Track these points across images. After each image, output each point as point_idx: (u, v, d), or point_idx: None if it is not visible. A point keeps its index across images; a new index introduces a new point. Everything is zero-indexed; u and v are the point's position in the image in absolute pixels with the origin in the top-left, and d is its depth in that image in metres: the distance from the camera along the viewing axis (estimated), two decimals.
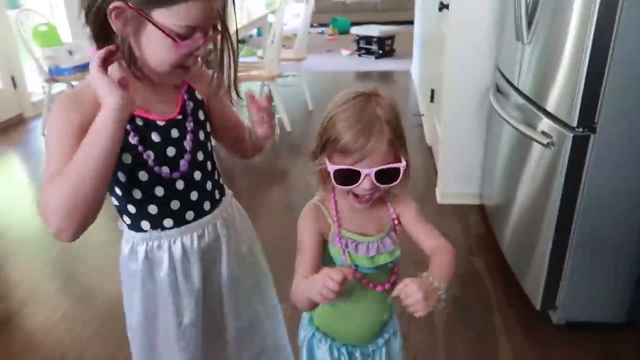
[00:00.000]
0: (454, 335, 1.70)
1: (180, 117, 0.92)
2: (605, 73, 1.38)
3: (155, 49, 0.80)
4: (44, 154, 3.53)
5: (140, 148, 0.86)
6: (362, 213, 0.93)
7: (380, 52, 6.37)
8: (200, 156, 0.95)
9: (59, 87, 3.96)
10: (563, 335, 1.67)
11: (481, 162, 2.46)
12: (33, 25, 3.76)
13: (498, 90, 2.11)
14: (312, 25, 4.56)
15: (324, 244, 0.92)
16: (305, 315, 1.07)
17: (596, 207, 1.53)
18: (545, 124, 1.60)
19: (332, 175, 0.85)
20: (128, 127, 0.85)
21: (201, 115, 0.96)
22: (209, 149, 0.98)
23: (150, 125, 0.88)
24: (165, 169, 0.90)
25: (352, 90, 0.87)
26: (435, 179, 2.74)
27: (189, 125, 0.92)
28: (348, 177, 0.84)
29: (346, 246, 0.91)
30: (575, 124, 1.46)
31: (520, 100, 1.82)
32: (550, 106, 1.59)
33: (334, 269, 0.77)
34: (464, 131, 2.46)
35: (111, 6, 0.76)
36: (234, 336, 1.10)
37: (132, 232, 0.95)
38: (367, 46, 6.50)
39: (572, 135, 1.47)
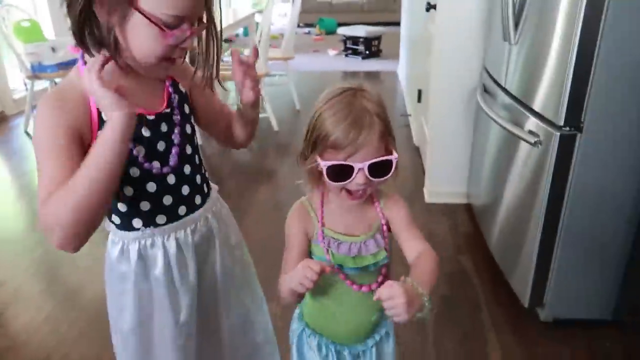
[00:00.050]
0: (442, 333, 1.71)
1: (168, 110, 0.91)
2: (592, 72, 1.40)
3: (142, 38, 0.77)
4: (26, 152, 3.51)
5: (130, 144, 0.84)
6: (350, 214, 0.93)
7: (367, 52, 6.39)
8: (188, 150, 0.94)
9: (41, 84, 3.89)
10: (550, 332, 1.69)
11: (469, 161, 2.47)
12: (15, 20, 3.69)
13: (485, 90, 2.13)
14: (298, 25, 4.56)
15: (309, 242, 0.94)
16: (296, 310, 1.07)
17: (582, 205, 1.55)
18: (532, 123, 1.62)
19: (324, 172, 0.84)
20: None
21: (186, 109, 0.95)
22: (196, 142, 0.98)
23: (139, 119, 0.86)
24: (156, 164, 0.89)
25: (338, 87, 0.87)
26: (423, 178, 2.76)
27: (176, 118, 0.92)
28: (341, 172, 0.83)
29: (329, 245, 0.91)
30: (562, 123, 1.47)
31: (507, 100, 1.84)
32: (537, 105, 1.60)
33: (314, 260, 0.83)
34: (451, 131, 2.48)
35: None
36: (228, 334, 1.09)
37: (123, 232, 0.93)
38: (354, 46, 6.51)
39: (559, 134, 1.48)
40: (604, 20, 1.34)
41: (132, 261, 0.92)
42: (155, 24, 0.76)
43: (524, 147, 1.69)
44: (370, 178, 0.84)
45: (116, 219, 0.92)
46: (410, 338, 1.68)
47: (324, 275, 0.88)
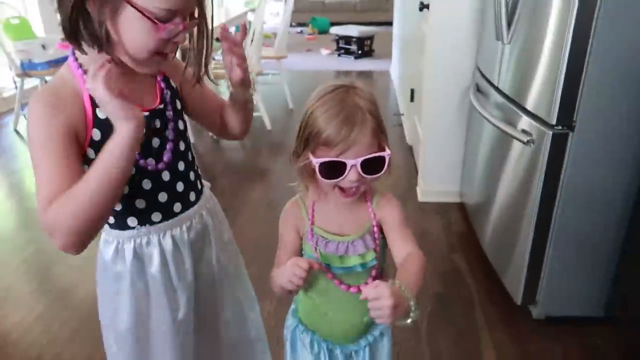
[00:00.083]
0: (436, 331, 1.72)
1: (161, 106, 0.90)
2: (584, 72, 1.41)
3: (134, 32, 0.76)
4: (15, 150, 3.47)
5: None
6: (342, 213, 0.93)
7: (360, 52, 6.40)
8: (182, 146, 0.94)
9: (31, 82, 3.86)
10: (543, 329, 1.70)
11: (462, 160, 2.49)
12: (4, 18, 3.65)
13: (478, 89, 2.14)
14: (291, 25, 4.55)
15: (302, 239, 0.95)
16: (292, 306, 1.07)
17: (574, 204, 1.56)
18: (525, 122, 1.63)
19: (317, 170, 0.84)
20: None
21: (178, 105, 0.95)
22: (188, 138, 0.98)
23: None
24: (150, 161, 0.88)
25: (330, 84, 0.87)
26: (416, 177, 2.76)
27: (169, 114, 0.91)
28: (334, 169, 0.83)
29: (317, 243, 0.92)
30: (554, 122, 1.48)
31: (500, 99, 1.85)
32: (530, 105, 1.61)
33: (303, 258, 0.83)
34: (444, 130, 2.49)
35: None
36: (225, 330, 1.09)
37: (117, 231, 0.92)
38: (347, 46, 6.52)
39: (551, 133, 1.50)
40: (596, 20, 1.35)
41: (127, 260, 0.92)
42: (148, 18, 0.75)
43: (516, 146, 1.70)
44: (363, 175, 0.83)
45: (110, 218, 0.91)
46: (405, 336, 1.68)
47: (315, 274, 0.89)
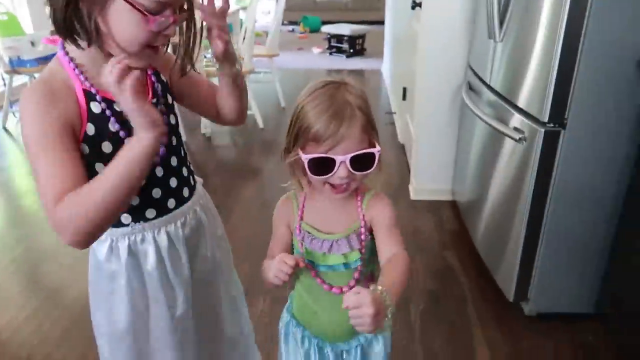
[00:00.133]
0: (429, 329, 1.72)
1: (154, 100, 0.89)
2: (575, 69, 1.42)
3: (124, 25, 0.75)
4: (4, 148, 3.44)
5: (122, 134, 0.83)
6: (332, 211, 0.93)
7: (351, 50, 6.41)
8: (174, 141, 0.93)
9: (20, 79, 3.81)
10: (535, 326, 1.72)
11: (454, 158, 2.50)
12: None
13: (470, 88, 2.15)
14: (282, 23, 4.54)
15: (292, 233, 0.95)
16: (288, 301, 1.08)
17: (565, 201, 1.57)
18: (517, 119, 1.64)
19: (306, 166, 0.83)
20: (108, 112, 0.81)
21: (169, 99, 0.94)
22: (179, 134, 0.97)
23: None
24: None
25: (321, 80, 0.86)
26: (408, 176, 2.77)
27: (161, 108, 0.90)
28: (323, 166, 0.83)
29: (302, 239, 0.92)
30: (546, 120, 1.49)
31: (492, 97, 1.86)
32: (522, 102, 1.62)
33: (289, 255, 0.84)
34: (436, 128, 2.49)
35: None
36: (224, 326, 1.08)
37: (111, 229, 0.90)
38: (338, 45, 6.52)
39: (543, 130, 1.50)
40: (588, 18, 1.36)
41: (122, 258, 0.91)
42: (138, 10, 0.74)
43: (508, 144, 1.71)
44: (353, 171, 0.83)
45: None
46: (397, 334, 1.69)
47: (305, 272, 0.90)
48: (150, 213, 0.91)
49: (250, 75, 3.76)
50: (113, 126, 0.82)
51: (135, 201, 0.88)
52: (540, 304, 1.72)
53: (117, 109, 0.83)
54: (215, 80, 1.01)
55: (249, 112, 3.96)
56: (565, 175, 1.54)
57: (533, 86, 1.56)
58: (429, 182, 2.59)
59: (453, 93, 2.41)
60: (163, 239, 0.92)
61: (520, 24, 1.66)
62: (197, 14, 0.85)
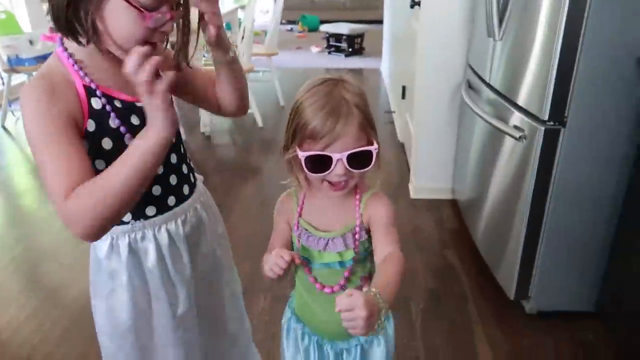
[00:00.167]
0: (430, 327, 1.72)
1: None
2: (575, 67, 1.42)
3: (121, 21, 0.75)
4: (3, 147, 3.43)
5: (122, 129, 0.82)
6: (330, 209, 0.92)
7: (350, 50, 6.40)
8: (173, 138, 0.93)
9: (19, 78, 3.80)
10: (535, 324, 1.72)
11: (453, 157, 2.50)
12: None
13: (470, 86, 2.15)
14: (281, 22, 4.54)
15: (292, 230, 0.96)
16: (291, 297, 1.08)
17: (566, 200, 1.57)
18: (517, 118, 1.64)
19: (303, 163, 0.83)
20: (108, 108, 0.81)
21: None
22: (179, 130, 0.96)
23: (129, 107, 0.84)
24: None
25: (320, 77, 0.86)
26: (408, 174, 2.77)
27: None
28: (320, 163, 0.82)
29: (299, 236, 0.92)
30: (546, 118, 1.50)
31: (492, 95, 1.86)
32: (521, 100, 1.63)
33: (286, 250, 0.84)
34: (436, 127, 2.50)
35: None
36: (229, 323, 1.08)
37: None
38: (337, 44, 6.52)
39: (543, 128, 1.51)
40: (587, 16, 1.36)
41: (122, 256, 0.90)
42: (134, 6, 0.73)
43: (508, 142, 1.71)
44: (350, 169, 0.83)
45: None
46: (398, 332, 1.68)
47: (301, 269, 0.90)
48: (151, 210, 0.90)
49: (249, 74, 3.76)
50: (113, 122, 0.82)
51: None
52: (541, 302, 1.72)
53: (118, 105, 0.83)
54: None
55: (249, 111, 3.97)
56: (566, 174, 1.54)
57: (533, 84, 1.56)
58: (428, 180, 2.60)
59: (452, 92, 2.41)
60: (164, 237, 0.92)
61: (519, 22, 1.66)
62: (194, 12, 0.84)
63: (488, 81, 1.91)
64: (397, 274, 0.82)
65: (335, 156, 0.81)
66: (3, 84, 3.74)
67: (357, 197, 0.92)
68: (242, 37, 3.60)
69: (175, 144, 0.93)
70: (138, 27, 0.75)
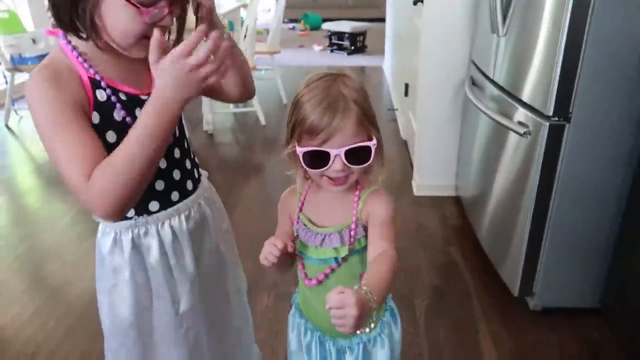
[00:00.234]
0: (434, 323, 1.72)
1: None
2: (580, 62, 1.41)
3: (120, 18, 0.75)
4: (7, 146, 3.43)
5: (128, 120, 0.82)
6: (330, 204, 0.92)
7: (352, 48, 6.39)
8: (176, 132, 0.93)
9: (22, 77, 3.81)
10: (539, 320, 1.71)
11: (457, 154, 2.49)
12: None
13: (473, 83, 2.14)
14: (283, 21, 4.54)
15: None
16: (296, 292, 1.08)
17: (570, 196, 1.57)
18: (521, 114, 1.63)
19: (301, 159, 0.83)
20: (114, 99, 0.81)
21: None
22: (182, 125, 0.96)
23: (134, 100, 0.84)
24: None
25: (321, 72, 0.86)
26: (411, 172, 2.77)
27: None
28: (318, 159, 0.82)
29: (298, 231, 0.92)
30: (551, 113, 1.49)
31: (495, 91, 1.85)
32: (526, 96, 1.62)
33: (279, 239, 0.86)
34: (439, 124, 2.49)
35: None
36: (234, 320, 1.08)
37: (114, 222, 0.90)
38: (339, 42, 6.51)
39: (548, 124, 1.50)
40: (592, 11, 1.35)
41: (125, 252, 0.90)
42: (131, 3, 0.74)
43: (512, 138, 1.71)
44: (348, 165, 0.82)
45: None
46: (402, 328, 1.68)
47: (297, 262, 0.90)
48: (154, 206, 0.90)
49: (252, 73, 3.76)
50: (118, 114, 0.82)
51: None
52: (545, 298, 1.72)
53: (123, 97, 0.83)
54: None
55: (250, 109, 3.97)
56: (570, 169, 1.53)
57: (537, 80, 1.55)
58: (432, 178, 2.59)
59: (455, 88, 2.40)
60: (167, 233, 0.92)
61: (523, 18, 1.65)
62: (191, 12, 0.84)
63: (492, 77, 1.90)
64: (389, 272, 0.80)
65: (333, 152, 0.81)
66: (6, 83, 3.75)
67: (357, 193, 0.91)
68: (245, 36, 3.60)
69: (178, 139, 0.93)
70: (136, 23, 0.76)
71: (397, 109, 3.75)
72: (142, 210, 0.89)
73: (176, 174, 0.93)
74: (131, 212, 0.89)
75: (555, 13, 1.44)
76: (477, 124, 2.08)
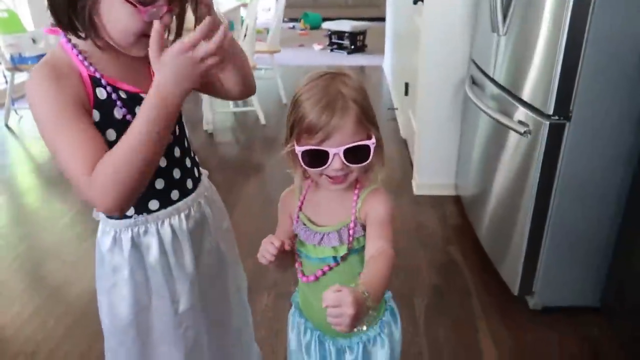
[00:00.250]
0: (434, 322, 1.72)
1: None
2: (580, 61, 1.41)
3: (118, 16, 0.75)
4: (6, 146, 3.43)
5: (129, 118, 0.82)
6: (330, 203, 0.92)
7: (352, 47, 6.39)
8: (176, 131, 0.93)
9: (22, 76, 3.80)
10: (539, 319, 1.71)
11: (457, 153, 2.49)
12: None
13: (473, 82, 2.14)
14: (283, 20, 4.54)
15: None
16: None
17: (570, 195, 1.56)
18: (521, 112, 1.63)
19: (300, 158, 0.83)
20: (114, 96, 0.81)
21: None
22: (182, 124, 0.96)
23: (134, 98, 0.84)
24: None
25: (320, 71, 0.86)
26: (411, 171, 2.77)
27: None
28: (317, 158, 0.82)
29: (297, 230, 0.92)
30: (551, 112, 1.49)
31: (496, 90, 1.85)
32: (526, 95, 1.62)
33: (276, 237, 0.85)
34: (439, 123, 2.49)
35: None
36: (234, 322, 1.08)
37: (114, 221, 0.90)
38: (339, 41, 6.51)
39: (548, 123, 1.50)
40: (592, 10, 1.35)
41: (125, 251, 0.90)
42: (129, 1, 0.73)
43: (513, 137, 1.71)
44: (347, 164, 0.82)
45: None
46: (402, 327, 1.68)
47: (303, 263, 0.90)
48: (154, 204, 0.90)
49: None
50: (119, 112, 0.82)
51: None
52: (545, 297, 1.72)
53: (123, 95, 0.83)
54: None
55: (250, 109, 3.96)
56: (570, 168, 1.53)
57: (537, 79, 1.55)
58: (431, 177, 2.59)
59: (455, 87, 2.40)
60: (167, 232, 0.91)
61: (523, 17, 1.65)
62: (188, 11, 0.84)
63: (492, 76, 1.90)
64: (386, 270, 0.80)
65: (331, 151, 0.81)
66: (6, 82, 3.75)
67: (356, 192, 0.91)
68: (245, 35, 3.60)
69: (178, 138, 0.93)
70: (135, 21, 0.75)
71: (397, 108, 3.74)
72: (141, 208, 0.89)
73: (176, 173, 0.92)
74: (131, 211, 0.89)
75: (555, 12, 1.44)
76: (477, 123, 2.08)
